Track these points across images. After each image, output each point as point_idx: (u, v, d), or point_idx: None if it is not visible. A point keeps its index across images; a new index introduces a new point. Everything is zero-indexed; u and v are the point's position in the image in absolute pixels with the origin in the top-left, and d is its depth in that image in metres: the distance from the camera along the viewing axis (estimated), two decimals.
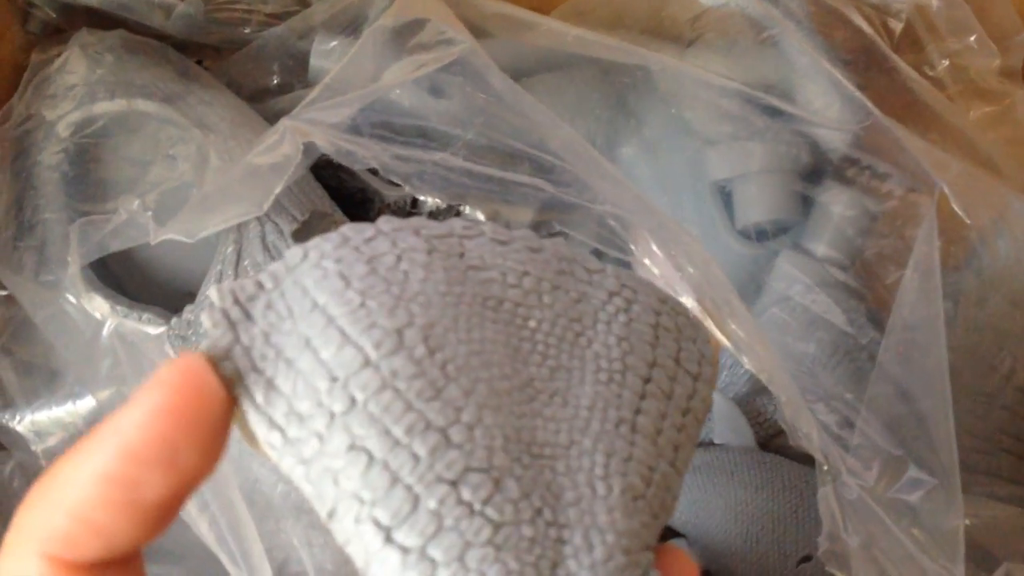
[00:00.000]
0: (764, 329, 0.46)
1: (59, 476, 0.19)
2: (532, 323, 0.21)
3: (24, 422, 0.49)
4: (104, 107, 0.49)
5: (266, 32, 0.55)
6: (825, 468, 0.37)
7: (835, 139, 0.47)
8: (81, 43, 0.51)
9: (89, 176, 0.50)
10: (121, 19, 0.54)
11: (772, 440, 0.49)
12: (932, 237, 0.40)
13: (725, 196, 0.51)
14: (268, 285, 0.21)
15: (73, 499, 0.19)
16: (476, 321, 0.21)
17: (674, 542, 0.49)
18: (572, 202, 0.42)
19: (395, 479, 0.19)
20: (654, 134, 0.51)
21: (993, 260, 0.44)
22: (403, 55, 0.45)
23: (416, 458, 0.19)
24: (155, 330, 0.46)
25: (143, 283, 0.50)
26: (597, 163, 0.42)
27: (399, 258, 0.21)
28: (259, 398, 0.20)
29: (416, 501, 0.19)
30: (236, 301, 0.21)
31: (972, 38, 0.51)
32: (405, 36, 0.45)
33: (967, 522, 0.37)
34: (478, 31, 0.48)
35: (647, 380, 0.22)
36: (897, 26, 0.51)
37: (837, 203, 0.48)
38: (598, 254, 0.42)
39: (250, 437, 0.21)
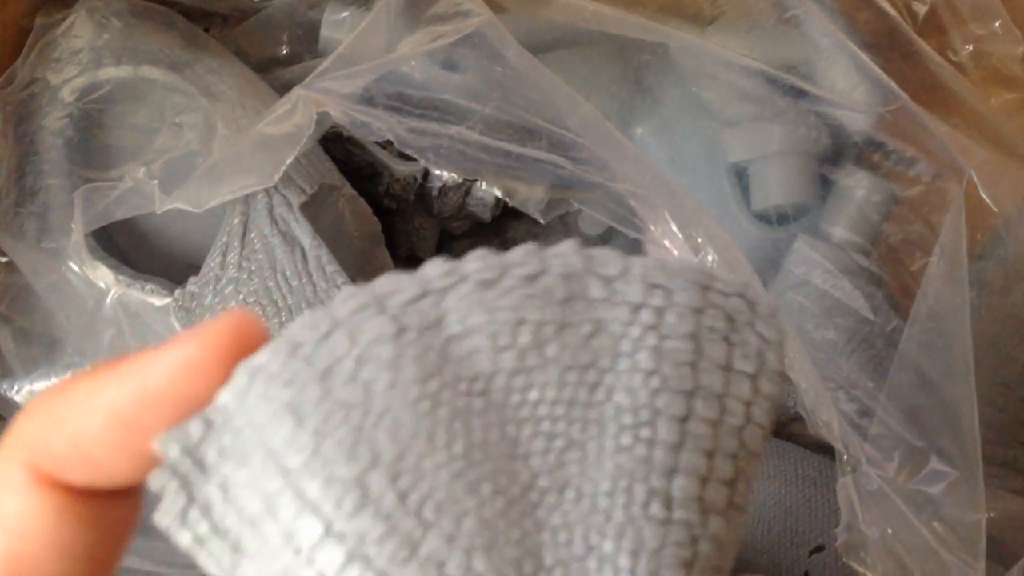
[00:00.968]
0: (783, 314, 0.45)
1: (69, 397, 0.18)
2: (533, 394, 0.18)
3: (22, 392, 0.48)
4: (110, 73, 0.48)
5: (275, 1, 0.54)
6: (845, 458, 0.36)
7: (858, 121, 0.46)
8: (87, 7, 0.50)
9: (93, 142, 0.49)
10: None
11: (785, 427, 0.49)
12: (960, 224, 0.39)
13: (743, 178, 0.50)
14: (218, 422, 0.17)
15: (76, 426, 0.18)
16: (459, 426, 0.17)
17: None
18: (590, 180, 0.41)
19: None
20: (670, 113, 0.50)
21: (1018, 249, 0.43)
22: (418, 26, 0.44)
23: None
24: (159, 301, 0.45)
25: (147, 253, 0.49)
26: (616, 141, 0.41)
27: (359, 361, 0.17)
28: (226, 562, 0.17)
29: None
30: (185, 451, 0.17)
31: (997, 24, 0.50)
32: (420, 7, 0.44)
33: (990, 515, 0.36)
34: (493, 5, 0.47)
35: (684, 419, 0.18)
36: (921, 9, 0.50)
37: (861, 187, 0.47)
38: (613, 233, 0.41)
39: None
